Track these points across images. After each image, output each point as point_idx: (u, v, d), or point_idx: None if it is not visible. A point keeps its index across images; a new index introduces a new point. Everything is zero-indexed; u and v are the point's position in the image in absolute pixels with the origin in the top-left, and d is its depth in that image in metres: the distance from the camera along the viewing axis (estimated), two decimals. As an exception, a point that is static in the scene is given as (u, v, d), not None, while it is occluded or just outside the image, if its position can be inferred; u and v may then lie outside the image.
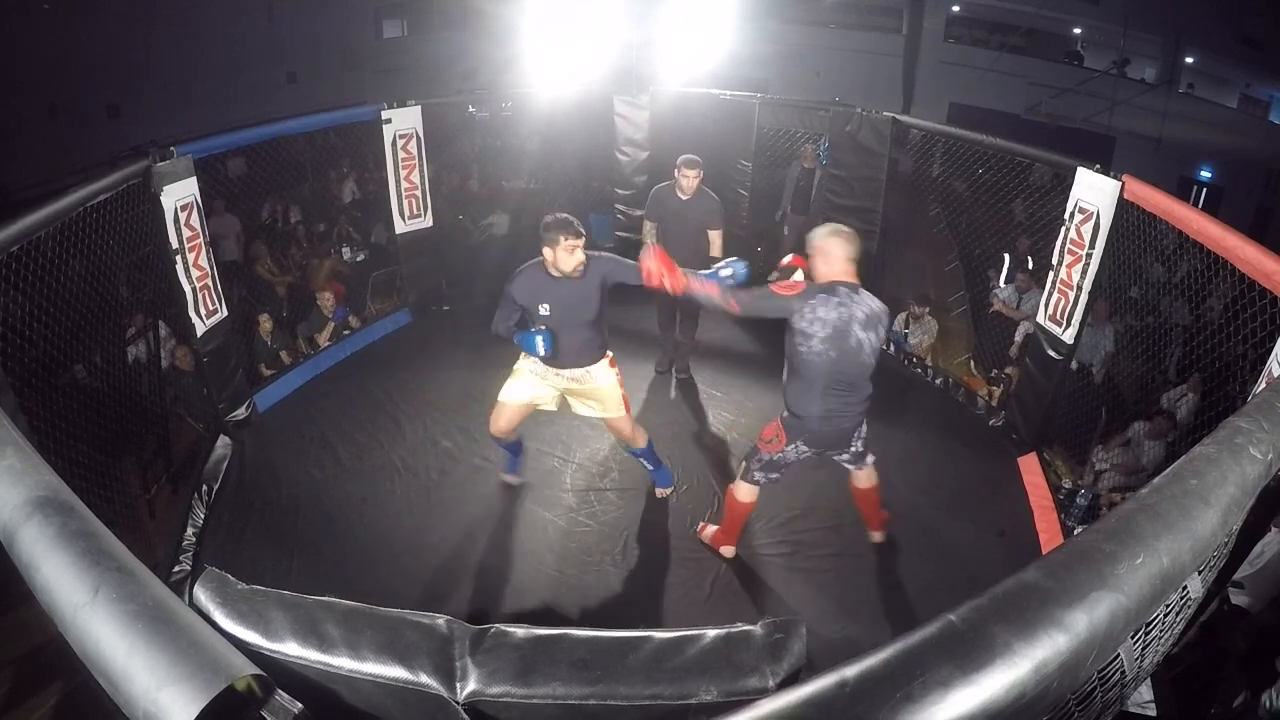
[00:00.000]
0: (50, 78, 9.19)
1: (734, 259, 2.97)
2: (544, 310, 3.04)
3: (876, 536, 3.48)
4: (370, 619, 1.11)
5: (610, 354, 3.31)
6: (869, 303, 2.73)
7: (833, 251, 2.70)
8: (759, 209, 5.92)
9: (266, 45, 11.51)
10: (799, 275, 2.97)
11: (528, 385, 3.32)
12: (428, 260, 5.55)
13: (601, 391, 3.29)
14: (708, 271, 2.91)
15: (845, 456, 3.09)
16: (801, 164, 6.01)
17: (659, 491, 3.72)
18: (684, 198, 4.29)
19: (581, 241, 2.97)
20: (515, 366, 3.35)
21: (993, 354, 5.13)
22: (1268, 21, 10.84)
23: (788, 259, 3.07)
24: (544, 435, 4.22)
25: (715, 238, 4.32)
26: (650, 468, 3.65)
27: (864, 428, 3.04)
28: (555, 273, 3.01)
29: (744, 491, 3.15)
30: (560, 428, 4.27)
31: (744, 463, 3.15)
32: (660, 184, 4.45)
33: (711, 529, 3.44)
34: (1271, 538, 2.99)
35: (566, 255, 2.94)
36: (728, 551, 3.38)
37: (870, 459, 3.18)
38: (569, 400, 3.39)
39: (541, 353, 3.05)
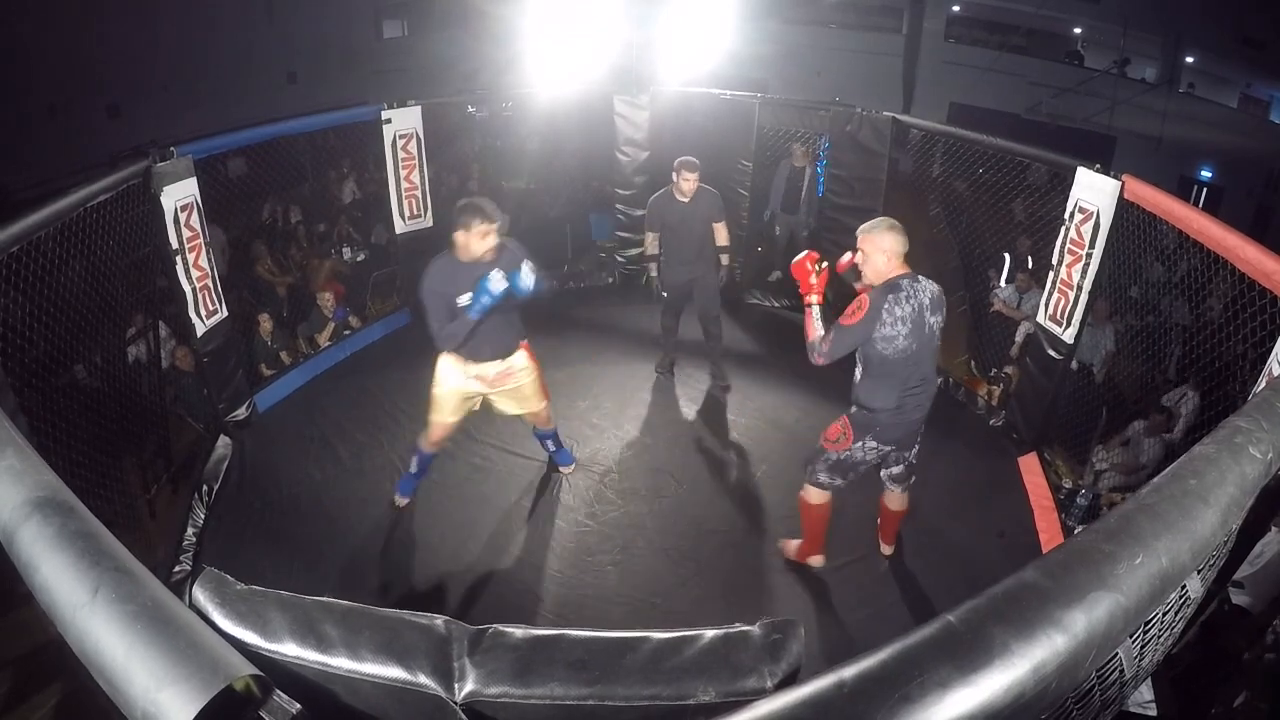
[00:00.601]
0: (50, 78, 9.19)
1: (525, 270, 2.91)
2: (462, 300, 2.94)
3: (886, 550, 3.46)
4: (368, 619, 1.11)
5: (524, 341, 3.28)
6: (930, 286, 2.73)
7: (893, 248, 2.68)
8: (759, 209, 5.92)
9: (267, 45, 11.51)
10: (845, 255, 2.95)
11: (454, 392, 3.23)
12: (428, 260, 5.52)
13: (523, 384, 3.29)
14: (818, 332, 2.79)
15: (898, 469, 3.07)
16: (791, 163, 6.01)
17: (562, 469, 3.85)
18: (685, 200, 4.28)
19: (495, 226, 2.92)
20: (437, 378, 3.25)
21: (993, 354, 5.13)
22: (1268, 21, 10.83)
23: (846, 258, 2.94)
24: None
25: (720, 229, 4.37)
26: (553, 449, 3.75)
27: (918, 444, 3.02)
28: (467, 259, 2.94)
29: (814, 495, 3.06)
30: (559, 428, 4.27)
31: (808, 465, 3.04)
32: (656, 194, 4.45)
33: (794, 544, 3.34)
34: (1272, 537, 2.99)
35: (479, 240, 2.90)
36: (816, 561, 3.29)
37: (911, 480, 3.16)
38: (491, 399, 3.33)
39: (502, 286, 2.85)
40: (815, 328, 2.81)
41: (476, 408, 3.38)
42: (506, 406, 3.37)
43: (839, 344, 2.72)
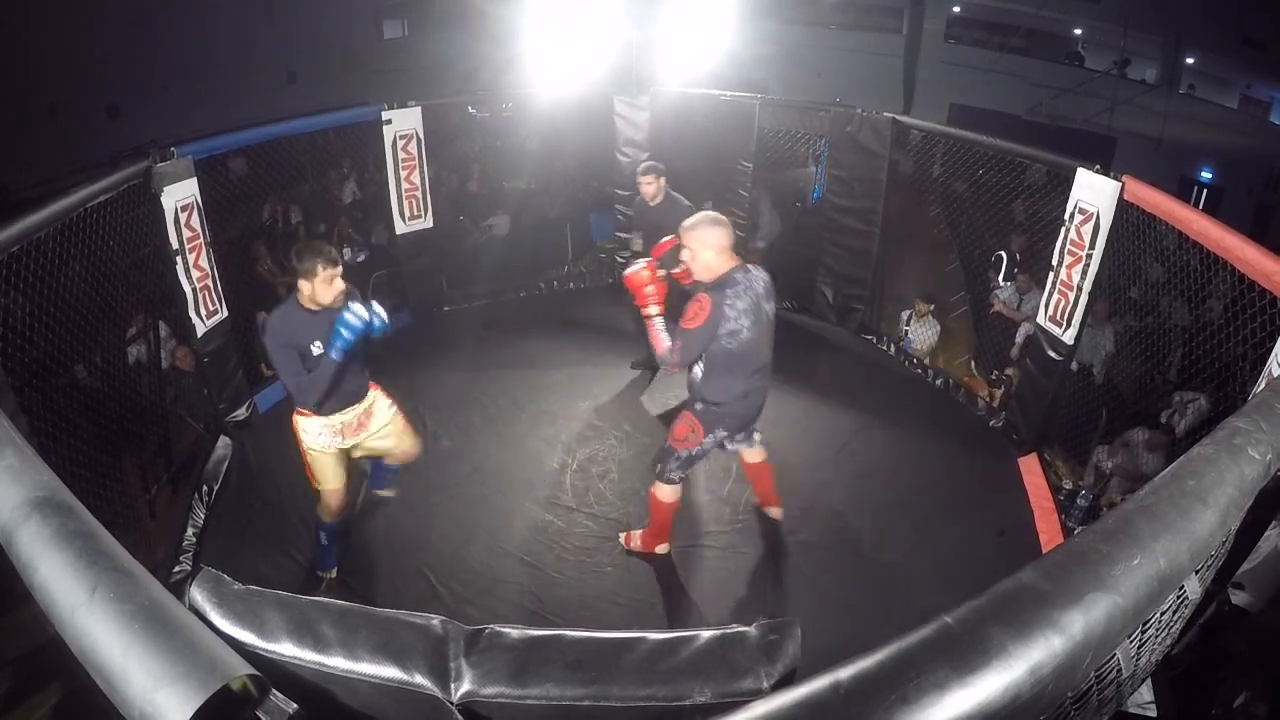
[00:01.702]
0: (50, 78, 9.19)
1: (374, 306, 2.71)
2: (316, 349, 2.73)
3: (775, 513, 3.52)
4: (366, 619, 1.11)
5: (372, 382, 3.11)
6: (761, 275, 2.79)
7: (719, 242, 2.69)
8: (759, 209, 5.91)
9: (267, 45, 11.51)
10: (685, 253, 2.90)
11: (328, 450, 3.00)
12: (428, 261, 5.55)
13: (388, 420, 3.13)
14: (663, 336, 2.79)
15: (742, 437, 3.13)
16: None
17: (383, 492, 3.66)
18: (651, 204, 4.31)
19: (340, 269, 2.72)
20: (306, 445, 3.00)
21: (993, 355, 5.13)
22: (1268, 21, 10.82)
23: (671, 238, 2.99)
24: (543, 435, 4.22)
25: None
26: (393, 471, 3.57)
27: None
28: (314, 307, 2.74)
29: (667, 493, 3.12)
30: (560, 428, 4.28)
31: (658, 465, 3.09)
32: (638, 196, 4.49)
33: (637, 536, 3.38)
34: (1269, 534, 2.98)
35: (325, 286, 2.69)
36: (663, 549, 3.36)
37: (758, 435, 3.22)
38: (362, 447, 3.12)
39: (365, 317, 2.65)
40: (662, 339, 2.78)
41: (357, 456, 3.17)
42: (380, 445, 3.17)
43: (689, 349, 2.72)
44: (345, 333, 2.64)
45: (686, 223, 2.75)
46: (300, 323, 2.76)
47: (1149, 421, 4.23)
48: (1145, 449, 3.96)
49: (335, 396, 2.89)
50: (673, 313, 2.85)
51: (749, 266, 2.77)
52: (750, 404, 2.91)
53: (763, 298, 2.75)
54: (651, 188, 4.26)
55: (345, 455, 3.07)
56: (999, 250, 5.58)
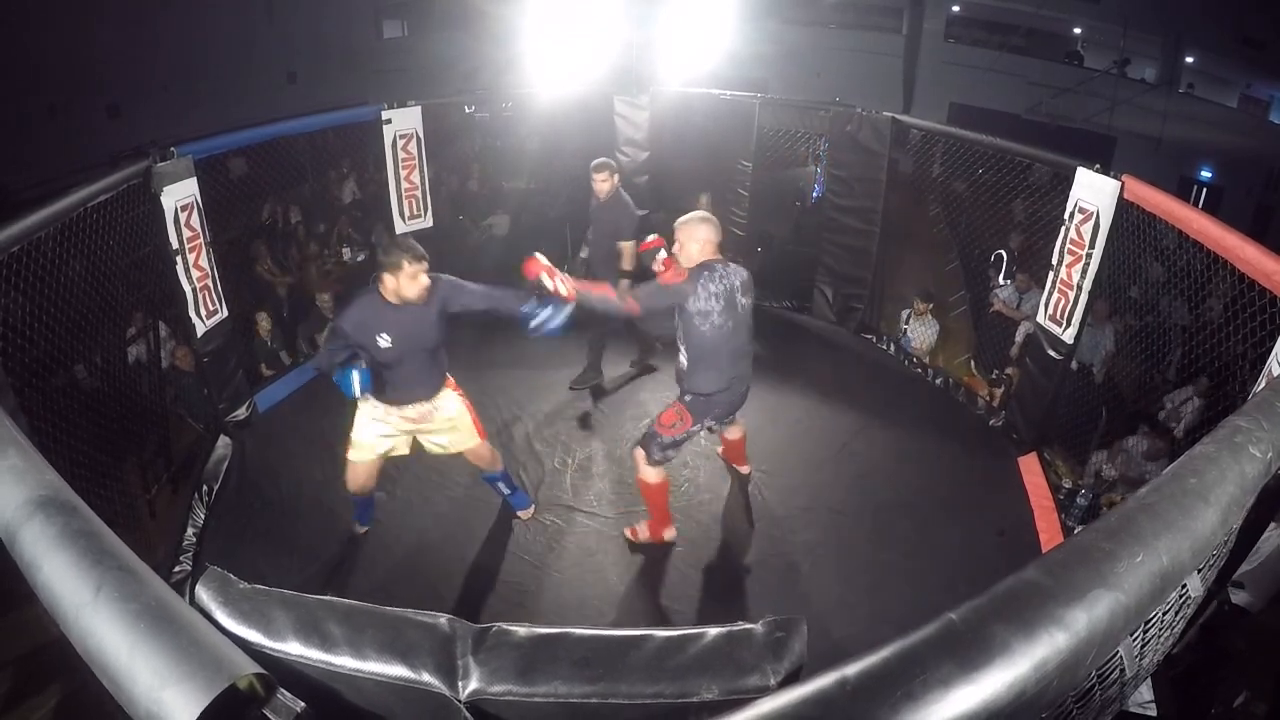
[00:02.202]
0: (50, 78, 9.18)
1: (548, 304, 2.84)
2: (383, 342, 2.79)
3: (745, 470, 3.76)
4: (372, 618, 1.11)
5: (451, 379, 3.12)
6: (740, 271, 2.98)
7: (708, 238, 2.89)
8: (759, 210, 5.92)
9: (267, 45, 11.50)
10: (661, 254, 3.19)
11: (373, 435, 3.06)
12: (428, 260, 5.54)
13: (452, 421, 3.11)
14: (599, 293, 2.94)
15: (728, 421, 3.33)
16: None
17: (520, 514, 3.57)
18: (598, 201, 4.33)
19: (426, 265, 2.76)
20: (356, 419, 3.06)
21: (993, 354, 5.13)
22: (1268, 21, 10.83)
23: (651, 238, 3.23)
24: (544, 435, 4.22)
25: (624, 249, 4.17)
26: (507, 492, 3.51)
27: None
28: (396, 300, 2.77)
29: (655, 475, 3.21)
30: (559, 428, 4.28)
31: (642, 450, 3.15)
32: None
33: (643, 527, 3.43)
34: (1271, 533, 2.99)
35: (410, 282, 2.73)
36: (670, 534, 3.42)
37: (740, 418, 3.43)
38: (420, 440, 3.16)
39: (356, 393, 2.75)
40: (598, 294, 2.94)
41: (404, 450, 3.19)
42: (438, 445, 3.18)
43: (655, 297, 2.92)
44: (341, 386, 2.75)
45: (682, 219, 2.93)
46: (375, 312, 2.81)
47: (1148, 420, 4.24)
48: (1146, 458, 3.96)
49: (396, 394, 2.96)
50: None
51: (730, 262, 2.95)
52: (735, 393, 3.07)
53: (739, 290, 2.92)
54: (606, 184, 4.25)
55: (386, 437, 3.10)
56: (999, 249, 5.58)
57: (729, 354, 2.95)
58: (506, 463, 3.99)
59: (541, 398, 4.57)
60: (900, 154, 5.13)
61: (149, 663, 0.78)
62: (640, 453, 3.16)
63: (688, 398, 3.02)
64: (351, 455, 3.14)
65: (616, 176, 4.31)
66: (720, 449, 3.82)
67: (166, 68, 10.25)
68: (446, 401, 3.10)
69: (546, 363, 4.90)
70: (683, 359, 2.98)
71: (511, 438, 4.21)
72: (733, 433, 3.57)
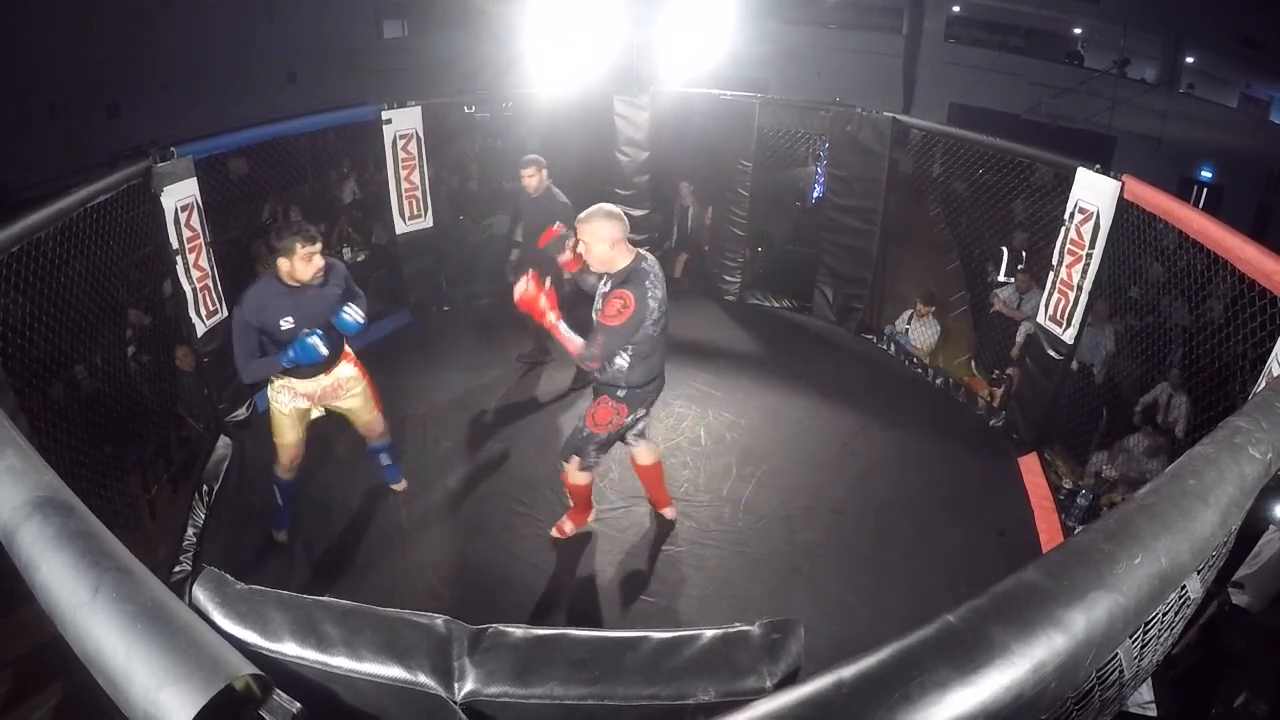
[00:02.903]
0: (50, 78, 9.18)
1: (350, 311, 2.93)
2: (286, 324, 2.86)
3: (670, 514, 3.56)
4: (369, 619, 1.11)
5: (349, 349, 3.25)
6: (653, 259, 2.88)
7: (613, 234, 2.72)
8: (759, 209, 5.92)
9: (267, 45, 11.50)
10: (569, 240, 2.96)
11: (291, 410, 3.14)
12: (428, 260, 5.54)
13: (354, 393, 3.26)
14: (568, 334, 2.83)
15: (644, 425, 3.21)
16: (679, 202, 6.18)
17: (394, 487, 3.69)
18: (532, 196, 4.37)
19: (319, 246, 2.84)
20: (271, 399, 3.13)
21: (993, 354, 5.13)
22: (1268, 21, 10.82)
23: (567, 256, 2.98)
24: (544, 434, 4.22)
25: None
26: (387, 463, 3.62)
27: None
28: (293, 283, 2.86)
29: (584, 476, 3.22)
30: (560, 426, 4.28)
31: (575, 455, 3.09)
32: (519, 186, 4.57)
33: (566, 523, 3.46)
34: (1271, 536, 2.99)
35: (305, 264, 2.81)
36: (590, 518, 3.49)
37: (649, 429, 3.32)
38: (328, 407, 3.28)
39: (325, 353, 2.86)
40: (573, 340, 2.81)
41: (316, 417, 3.29)
42: (344, 405, 3.29)
43: (611, 343, 2.77)
44: (308, 355, 2.84)
45: (581, 215, 2.77)
46: (275, 296, 2.87)
47: (1135, 416, 4.26)
48: (1146, 455, 3.97)
49: (299, 368, 3.00)
50: (565, 303, 2.99)
51: (643, 251, 2.86)
52: (659, 383, 3.06)
53: (662, 282, 2.84)
54: (534, 179, 4.32)
55: (304, 415, 3.20)
56: (1000, 246, 5.58)
57: (662, 346, 2.95)
58: (507, 460, 4.01)
59: (541, 397, 4.57)
60: (900, 154, 5.12)
61: (146, 663, 0.78)
62: (575, 460, 3.11)
63: (621, 393, 2.95)
64: (276, 439, 3.19)
65: (545, 171, 4.37)
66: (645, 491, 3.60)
67: (166, 68, 10.25)
68: (347, 372, 3.22)
69: (548, 364, 4.90)
70: (621, 360, 2.86)
71: (511, 437, 4.21)
72: (644, 455, 3.34)
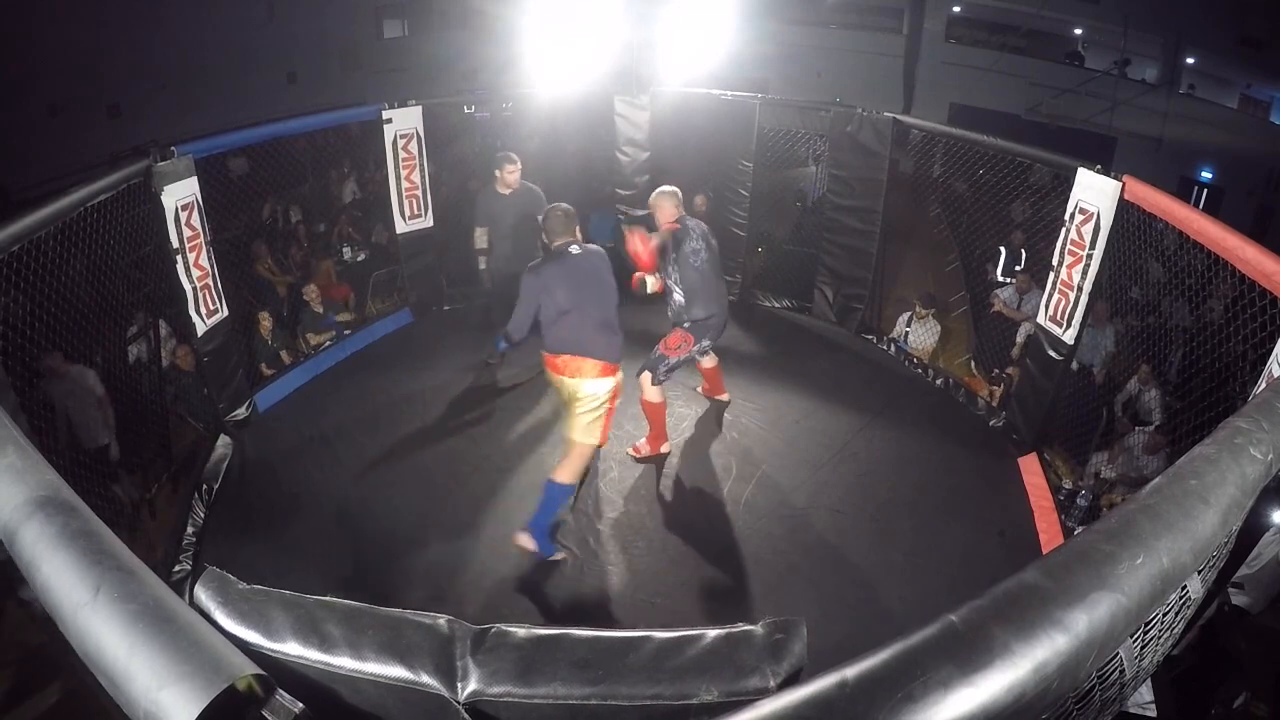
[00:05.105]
0: (50, 78, 9.18)
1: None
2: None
3: (724, 397, 4.40)
4: (371, 618, 1.11)
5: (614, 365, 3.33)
6: (699, 222, 3.82)
7: (671, 205, 3.77)
8: (759, 209, 5.93)
9: (267, 45, 11.49)
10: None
11: (604, 403, 3.24)
12: (428, 260, 5.54)
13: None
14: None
15: (709, 346, 3.94)
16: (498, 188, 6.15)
17: (522, 542, 3.31)
18: (506, 193, 4.44)
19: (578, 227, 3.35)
20: (591, 396, 3.15)
21: (993, 354, 5.13)
22: (1268, 21, 10.83)
23: (638, 212, 4.00)
24: (544, 434, 4.22)
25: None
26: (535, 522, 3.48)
27: None
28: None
29: (656, 394, 3.80)
30: (560, 427, 4.27)
31: (648, 372, 3.74)
32: (482, 189, 4.64)
33: (644, 444, 3.96)
34: (1270, 538, 2.99)
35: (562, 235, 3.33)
36: (666, 448, 4.00)
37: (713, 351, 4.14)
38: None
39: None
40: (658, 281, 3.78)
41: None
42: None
43: (656, 243, 3.72)
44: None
45: (658, 190, 3.80)
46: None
47: (1117, 416, 4.28)
48: (1144, 451, 3.97)
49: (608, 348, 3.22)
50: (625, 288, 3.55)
51: (689, 217, 3.78)
52: (721, 318, 3.81)
53: (708, 234, 3.75)
54: (515, 174, 4.44)
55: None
56: (1000, 245, 5.58)
57: (714, 285, 3.74)
58: (508, 460, 4.00)
59: (541, 397, 4.57)
60: (901, 154, 5.12)
61: (147, 663, 0.78)
62: (647, 375, 3.74)
63: (687, 324, 3.72)
64: (588, 439, 3.20)
65: (519, 165, 4.52)
66: (703, 386, 4.41)
67: (166, 68, 10.24)
68: (602, 387, 3.27)
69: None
70: (678, 297, 3.71)
71: (512, 437, 4.21)
72: (708, 361, 4.18)
